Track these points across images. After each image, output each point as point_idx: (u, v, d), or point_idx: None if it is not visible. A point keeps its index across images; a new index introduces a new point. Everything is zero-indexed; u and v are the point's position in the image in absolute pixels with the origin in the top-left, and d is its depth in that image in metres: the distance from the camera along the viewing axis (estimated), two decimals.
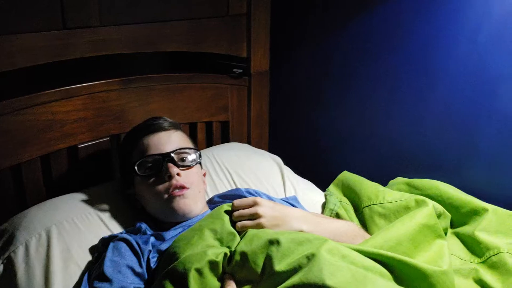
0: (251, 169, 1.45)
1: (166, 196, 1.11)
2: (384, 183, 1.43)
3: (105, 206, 1.21)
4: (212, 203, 1.25)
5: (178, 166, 1.13)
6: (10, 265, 1.06)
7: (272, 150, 1.66)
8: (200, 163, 1.23)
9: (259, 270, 0.88)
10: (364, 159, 1.62)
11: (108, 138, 1.35)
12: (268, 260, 0.87)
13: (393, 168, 1.52)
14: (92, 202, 1.21)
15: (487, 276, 1.06)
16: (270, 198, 1.25)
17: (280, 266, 0.85)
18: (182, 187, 1.11)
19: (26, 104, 1.17)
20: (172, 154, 1.13)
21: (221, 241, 0.96)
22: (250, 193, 1.26)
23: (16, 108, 1.16)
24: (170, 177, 1.11)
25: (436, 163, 1.44)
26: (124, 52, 1.32)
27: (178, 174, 1.11)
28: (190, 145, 1.21)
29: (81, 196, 1.23)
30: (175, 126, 1.22)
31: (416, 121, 1.46)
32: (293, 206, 1.26)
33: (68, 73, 1.31)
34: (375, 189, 1.34)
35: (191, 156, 1.17)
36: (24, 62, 1.14)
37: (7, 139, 1.16)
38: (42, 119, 1.21)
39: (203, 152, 1.47)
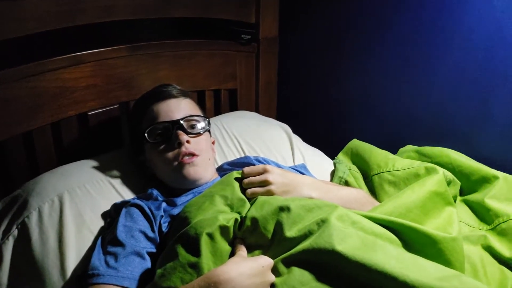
0: (260, 137, 1.45)
1: (175, 163, 1.11)
2: (394, 151, 1.42)
3: (116, 173, 1.22)
4: (222, 170, 1.26)
5: (187, 133, 1.14)
6: (24, 230, 1.07)
7: (280, 118, 1.66)
8: (209, 131, 1.23)
9: (269, 235, 0.89)
10: (373, 127, 1.61)
11: (117, 106, 1.35)
12: (279, 226, 0.88)
13: (403, 136, 1.51)
14: (103, 168, 1.22)
15: (496, 243, 1.07)
16: (279, 166, 1.26)
17: (290, 232, 0.86)
18: (192, 154, 1.11)
19: (36, 71, 1.17)
20: (182, 122, 1.14)
21: (231, 207, 0.97)
22: (259, 161, 1.26)
23: (26, 74, 1.15)
24: (180, 144, 1.11)
25: (446, 130, 1.43)
26: (132, 18, 1.31)
27: (187, 142, 1.12)
28: (199, 112, 1.21)
29: (92, 162, 1.24)
30: (184, 94, 1.22)
31: (427, 87, 1.45)
32: (302, 174, 1.26)
33: (77, 40, 1.30)
34: (385, 156, 1.34)
35: (200, 124, 1.18)
36: (34, 28, 1.13)
37: (17, 106, 1.16)
38: (52, 86, 1.20)
39: (211, 120, 1.47)
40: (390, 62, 1.52)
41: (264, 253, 0.88)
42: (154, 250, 1.01)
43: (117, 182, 1.20)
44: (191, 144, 1.13)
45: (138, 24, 1.37)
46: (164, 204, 1.09)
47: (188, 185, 1.14)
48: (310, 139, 1.56)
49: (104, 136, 1.35)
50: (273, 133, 1.49)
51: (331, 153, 1.50)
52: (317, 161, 1.45)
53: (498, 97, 1.31)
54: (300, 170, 1.29)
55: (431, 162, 1.30)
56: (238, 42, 1.57)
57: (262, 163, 1.25)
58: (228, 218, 0.91)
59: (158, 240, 1.03)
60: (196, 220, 0.92)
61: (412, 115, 1.51)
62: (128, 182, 1.22)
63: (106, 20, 1.25)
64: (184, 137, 1.12)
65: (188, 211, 0.97)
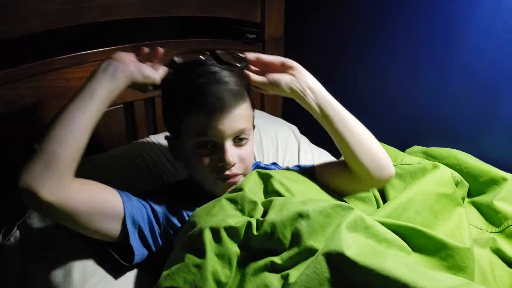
0: (268, 135, 1.45)
1: (215, 176, 1.02)
2: (401, 152, 1.41)
3: (118, 173, 1.21)
4: None
5: (236, 146, 1.02)
6: (25, 229, 1.07)
7: (286, 119, 1.65)
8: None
9: (287, 242, 0.86)
10: (380, 127, 1.58)
11: (121, 105, 1.34)
12: (297, 233, 0.85)
13: (410, 136, 1.50)
14: (106, 168, 1.21)
15: (505, 245, 1.05)
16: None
17: (310, 241, 0.84)
18: (236, 175, 1.03)
19: (40, 70, 1.16)
20: (231, 142, 1.00)
21: (242, 211, 0.95)
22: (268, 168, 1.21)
23: (29, 74, 1.14)
24: (225, 165, 1.00)
25: (454, 131, 1.42)
26: (137, 17, 1.29)
27: (234, 164, 1.01)
28: (251, 120, 1.06)
29: (96, 162, 1.22)
30: (241, 95, 1.01)
31: (435, 87, 1.43)
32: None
33: (81, 39, 1.29)
34: (394, 152, 1.33)
35: (250, 136, 1.05)
36: (38, 27, 1.12)
37: (21, 105, 1.15)
38: (56, 86, 1.19)
39: None
40: (397, 63, 1.51)
41: (282, 260, 0.84)
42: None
43: (117, 182, 1.18)
44: (237, 163, 1.01)
45: (144, 23, 1.35)
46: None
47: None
48: (316, 140, 1.55)
49: (108, 136, 1.33)
50: (282, 133, 1.49)
51: (338, 154, 1.48)
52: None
53: (507, 98, 1.29)
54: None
55: (439, 163, 1.28)
56: (244, 42, 1.56)
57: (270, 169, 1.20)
58: (237, 220, 0.89)
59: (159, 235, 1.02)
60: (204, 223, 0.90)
61: (419, 116, 1.49)
62: (131, 182, 1.20)
63: (111, 19, 1.24)
64: (231, 159, 0.99)
65: (198, 215, 0.95)
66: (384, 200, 1.26)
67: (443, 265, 0.86)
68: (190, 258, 0.86)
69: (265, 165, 1.25)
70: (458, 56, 1.36)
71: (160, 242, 1.02)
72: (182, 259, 0.86)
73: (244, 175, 1.04)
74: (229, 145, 0.99)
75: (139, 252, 0.99)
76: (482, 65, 1.32)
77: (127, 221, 0.96)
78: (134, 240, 0.98)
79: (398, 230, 0.88)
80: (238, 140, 1.02)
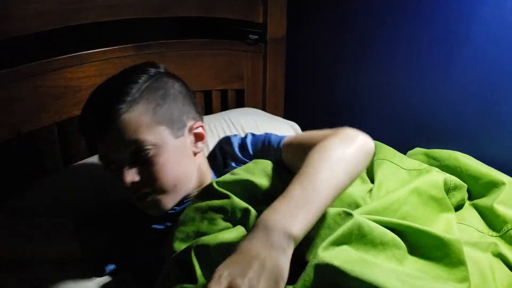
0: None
1: (130, 197, 0.94)
2: (403, 153, 1.40)
3: None
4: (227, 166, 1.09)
5: (137, 164, 0.90)
6: None
7: (287, 118, 1.64)
8: (184, 128, 0.96)
9: None
10: (382, 129, 1.59)
11: None
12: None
13: (411, 138, 1.49)
14: (102, 171, 1.21)
15: (506, 250, 1.04)
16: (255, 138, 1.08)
17: (307, 253, 0.82)
18: (146, 196, 0.91)
19: (40, 70, 1.16)
20: (129, 161, 0.89)
21: (233, 221, 0.87)
22: (246, 144, 1.07)
23: (30, 74, 1.15)
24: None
25: (456, 132, 1.41)
26: (136, 17, 1.30)
27: (133, 183, 0.89)
28: (148, 127, 0.89)
29: (93, 165, 1.22)
30: (124, 107, 0.88)
31: (437, 89, 1.42)
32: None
33: (81, 40, 1.29)
34: (394, 151, 1.33)
35: (159, 146, 0.90)
36: (38, 27, 1.13)
37: (21, 105, 1.15)
38: (56, 86, 1.20)
39: (218, 115, 1.44)
40: (398, 63, 1.50)
41: None
42: None
43: (112, 184, 1.18)
44: (139, 181, 0.89)
45: (144, 23, 1.36)
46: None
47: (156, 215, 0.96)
48: None
49: None
50: (283, 131, 1.48)
51: None
52: None
53: (509, 99, 1.28)
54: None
55: (440, 165, 1.27)
56: (245, 42, 1.56)
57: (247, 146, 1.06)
58: (230, 235, 0.81)
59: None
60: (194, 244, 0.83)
61: (421, 117, 1.48)
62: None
63: (110, 19, 1.24)
64: (128, 179, 0.88)
65: (185, 231, 0.88)
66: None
67: (439, 263, 0.86)
68: (180, 279, 0.80)
69: (252, 135, 1.11)
70: (459, 57, 1.35)
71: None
72: (171, 279, 0.81)
73: (164, 191, 0.91)
74: (126, 165, 0.89)
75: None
76: (484, 67, 1.31)
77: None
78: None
79: (396, 228, 0.88)
80: (139, 154, 0.89)
